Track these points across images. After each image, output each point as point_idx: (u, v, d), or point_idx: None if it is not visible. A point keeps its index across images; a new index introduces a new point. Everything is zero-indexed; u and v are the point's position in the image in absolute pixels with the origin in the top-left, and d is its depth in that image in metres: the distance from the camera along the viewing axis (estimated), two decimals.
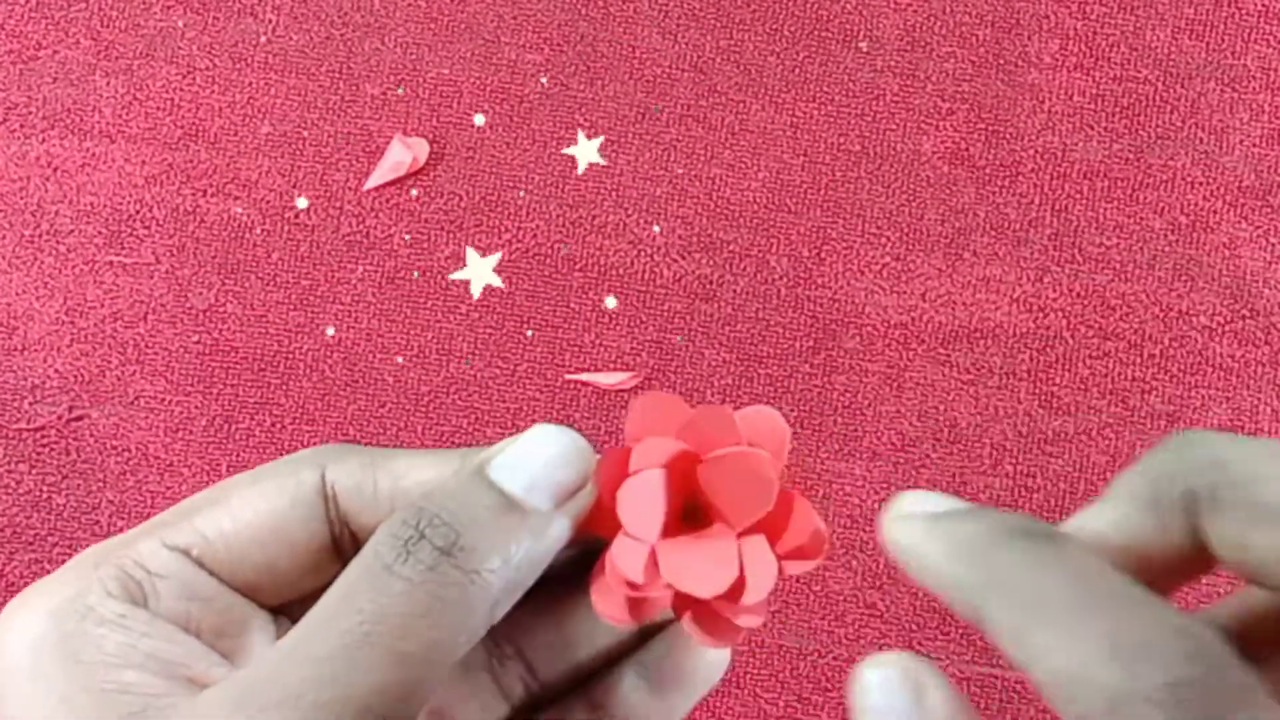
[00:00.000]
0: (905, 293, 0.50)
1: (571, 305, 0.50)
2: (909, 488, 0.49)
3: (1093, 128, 0.51)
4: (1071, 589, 0.20)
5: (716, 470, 0.25)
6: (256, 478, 0.26)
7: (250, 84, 0.51)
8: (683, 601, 0.25)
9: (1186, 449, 0.21)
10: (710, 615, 0.25)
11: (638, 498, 0.25)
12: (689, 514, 0.26)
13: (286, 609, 0.27)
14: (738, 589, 0.24)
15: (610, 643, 0.28)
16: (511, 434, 0.52)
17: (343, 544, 0.26)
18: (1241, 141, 0.51)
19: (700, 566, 0.25)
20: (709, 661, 0.27)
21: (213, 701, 0.22)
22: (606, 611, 0.25)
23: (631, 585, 0.24)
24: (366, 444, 0.28)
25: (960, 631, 0.48)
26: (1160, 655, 0.19)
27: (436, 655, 0.22)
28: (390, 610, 0.22)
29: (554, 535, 0.24)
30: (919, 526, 0.22)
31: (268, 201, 0.50)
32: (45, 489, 0.49)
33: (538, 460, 0.24)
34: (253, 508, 0.25)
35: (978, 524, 0.22)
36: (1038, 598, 0.20)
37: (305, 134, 0.51)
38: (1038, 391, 0.49)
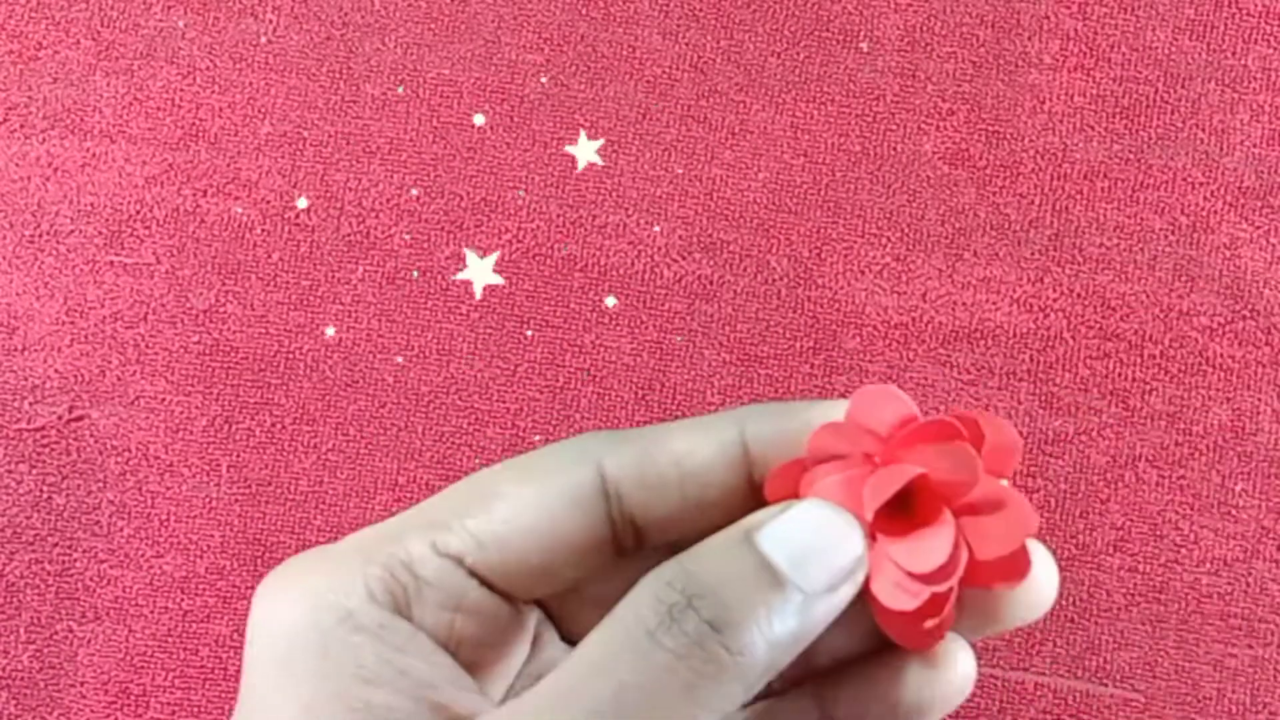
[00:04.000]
0: (905, 293, 0.50)
1: (571, 305, 0.50)
2: None
3: (1093, 128, 0.51)
4: None
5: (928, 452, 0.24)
6: (527, 474, 0.25)
7: (250, 84, 0.51)
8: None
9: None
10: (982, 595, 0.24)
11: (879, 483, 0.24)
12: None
13: (545, 601, 0.26)
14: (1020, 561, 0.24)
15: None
16: (511, 435, 0.53)
17: (622, 538, 0.25)
18: (1242, 142, 0.51)
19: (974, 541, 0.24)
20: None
21: None
22: (908, 639, 0.24)
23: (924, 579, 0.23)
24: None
25: None
26: None
27: None
28: (650, 683, 0.21)
29: (819, 618, 0.23)
30: None
31: (268, 201, 0.50)
32: (45, 489, 0.49)
33: (810, 537, 0.23)
34: (529, 511, 0.24)
35: None
36: None
37: (305, 134, 0.51)
38: (1038, 392, 0.49)
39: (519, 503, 0.24)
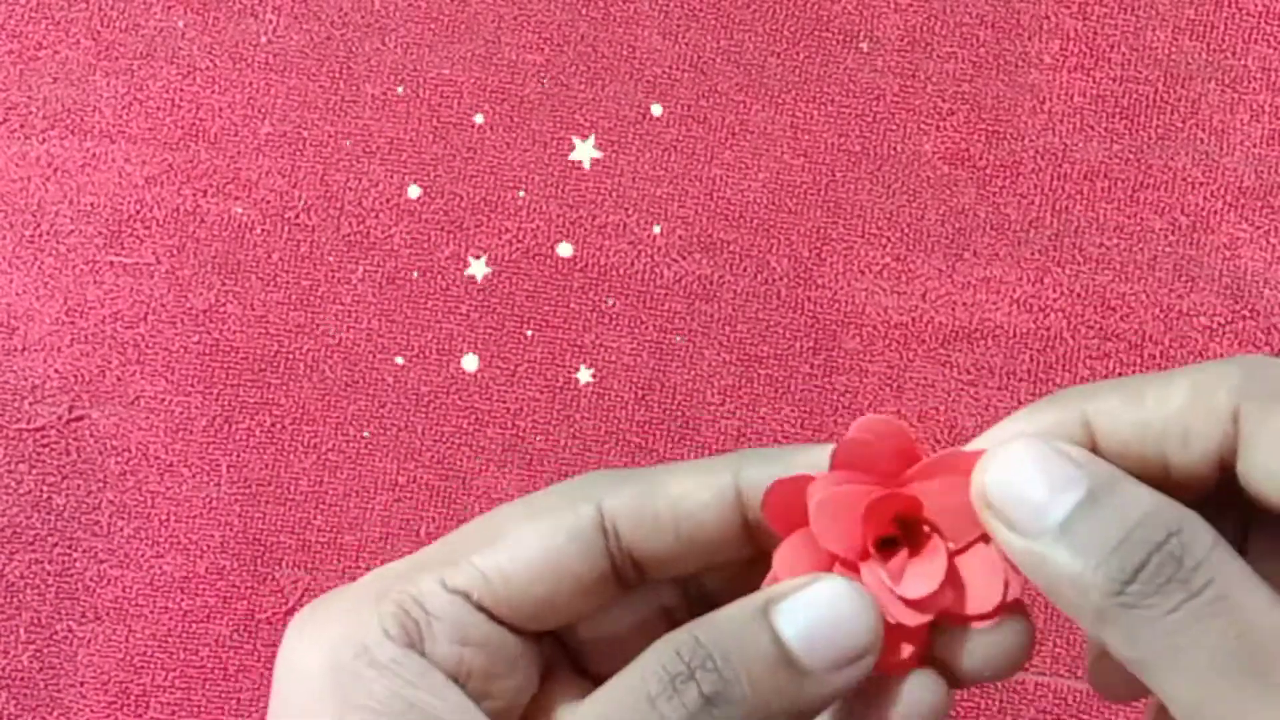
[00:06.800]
0: (905, 293, 0.50)
1: (571, 305, 0.50)
2: None
3: (1093, 128, 0.51)
4: None
5: (928, 485, 0.24)
6: (531, 512, 0.26)
7: (250, 84, 0.51)
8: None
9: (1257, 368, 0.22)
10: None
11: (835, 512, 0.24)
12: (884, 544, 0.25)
13: (558, 632, 0.27)
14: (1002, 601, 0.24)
15: None
16: (511, 435, 0.53)
17: (623, 572, 0.26)
18: (1242, 142, 0.51)
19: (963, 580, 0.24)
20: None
21: None
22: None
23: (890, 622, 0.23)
24: (627, 465, 0.27)
25: None
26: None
27: None
28: None
29: (822, 699, 0.23)
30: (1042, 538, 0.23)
31: (268, 201, 0.50)
32: (45, 489, 0.49)
33: (825, 616, 0.23)
34: (532, 546, 0.25)
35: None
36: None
37: (305, 134, 0.51)
38: (1038, 392, 0.49)
39: (522, 539, 0.25)
